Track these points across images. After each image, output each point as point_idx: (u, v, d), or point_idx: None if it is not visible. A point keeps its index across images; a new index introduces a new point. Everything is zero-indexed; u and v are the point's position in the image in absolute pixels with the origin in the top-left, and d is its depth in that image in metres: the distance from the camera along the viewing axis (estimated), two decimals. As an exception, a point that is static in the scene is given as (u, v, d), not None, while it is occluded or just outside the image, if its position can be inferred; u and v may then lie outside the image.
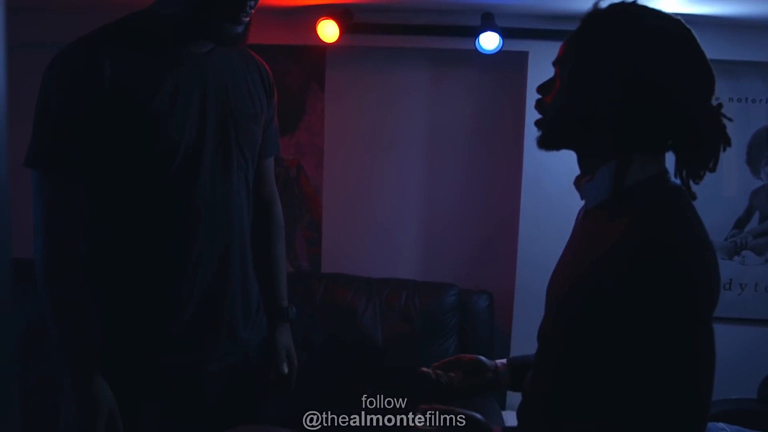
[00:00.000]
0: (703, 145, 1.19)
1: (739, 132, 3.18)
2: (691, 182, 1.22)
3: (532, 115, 3.26)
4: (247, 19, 1.53)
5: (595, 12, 1.24)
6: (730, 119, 1.20)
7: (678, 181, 1.22)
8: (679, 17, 1.21)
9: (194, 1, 1.48)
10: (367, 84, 3.42)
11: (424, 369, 1.52)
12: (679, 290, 1.07)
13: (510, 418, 2.93)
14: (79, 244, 1.51)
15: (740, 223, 3.26)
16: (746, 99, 3.15)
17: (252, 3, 1.51)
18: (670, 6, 2.69)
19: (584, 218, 1.33)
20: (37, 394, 2.33)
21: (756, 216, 3.26)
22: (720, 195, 3.18)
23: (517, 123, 3.18)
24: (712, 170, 1.20)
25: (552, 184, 3.08)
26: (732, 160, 3.17)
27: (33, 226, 1.51)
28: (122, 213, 1.56)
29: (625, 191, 1.21)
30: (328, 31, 3.01)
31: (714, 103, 1.19)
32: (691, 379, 1.09)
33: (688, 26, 1.20)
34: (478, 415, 1.30)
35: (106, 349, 1.55)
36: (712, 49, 1.21)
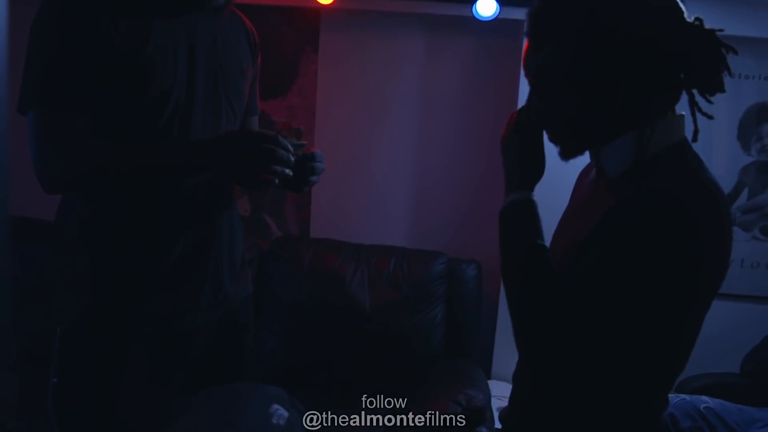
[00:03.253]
0: (697, 59, 1.17)
1: (730, 108, 3.18)
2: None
3: (525, 84, 3.26)
4: None
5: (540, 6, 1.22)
6: (721, 30, 1.17)
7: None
8: None
9: None
10: (361, 48, 3.39)
11: None
12: (681, 261, 1.08)
13: (496, 387, 2.97)
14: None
15: (729, 199, 3.26)
16: (738, 75, 3.15)
17: None
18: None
19: (598, 185, 1.32)
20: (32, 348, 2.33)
21: (745, 192, 3.27)
22: (710, 170, 3.18)
23: (511, 92, 3.16)
24: (720, 87, 1.18)
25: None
26: (723, 136, 3.18)
27: (36, 162, 1.47)
28: None
29: (649, 161, 1.19)
30: (324, -9, 2.99)
31: (691, 19, 1.18)
32: (676, 331, 1.12)
33: None
34: None
35: (91, 297, 1.57)
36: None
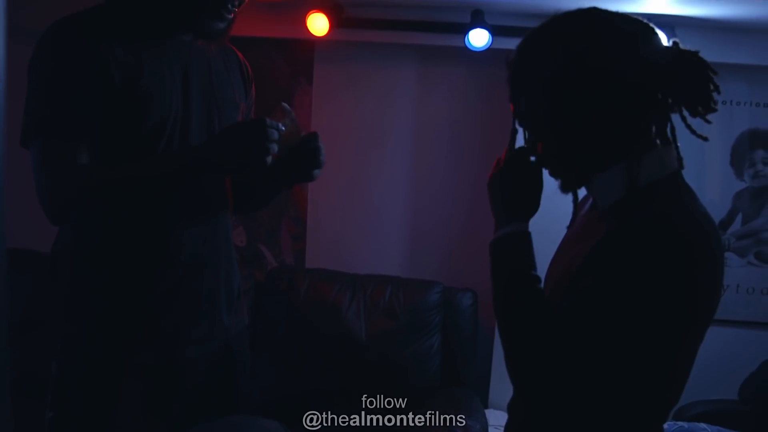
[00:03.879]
0: (682, 80, 1.17)
1: (723, 134, 3.20)
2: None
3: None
4: (231, 16, 1.56)
5: (518, 50, 1.30)
6: (696, 50, 1.18)
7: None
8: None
9: None
10: (355, 79, 3.41)
11: None
12: (675, 285, 1.07)
13: (493, 416, 2.95)
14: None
15: (723, 225, 3.28)
16: (730, 101, 3.18)
17: (235, 2, 1.54)
18: (657, 7, 2.72)
19: (592, 216, 1.32)
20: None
21: (739, 218, 3.29)
22: (703, 197, 3.14)
23: (505, 121, 3.16)
24: (713, 107, 1.18)
25: None
26: (715, 162, 3.20)
27: (41, 194, 1.48)
28: None
29: (640, 192, 1.19)
30: (318, 24, 3.01)
31: (670, 43, 1.19)
32: (670, 361, 1.12)
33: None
34: None
35: (86, 330, 1.57)
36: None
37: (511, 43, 3.13)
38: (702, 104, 1.17)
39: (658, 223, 1.09)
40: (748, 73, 3.15)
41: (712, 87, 1.17)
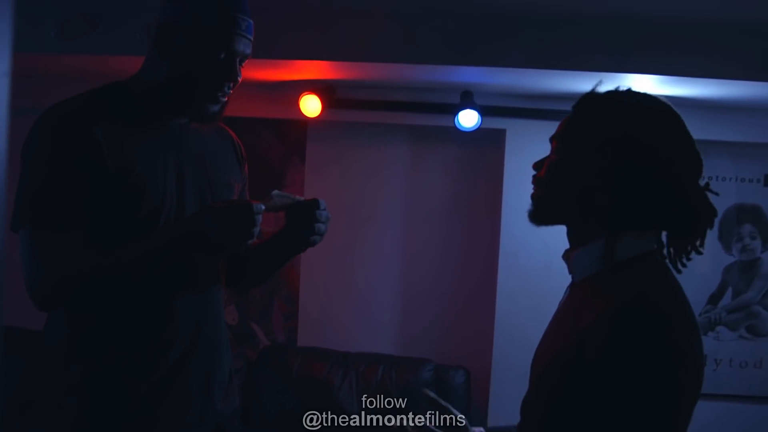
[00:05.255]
0: (692, 224, 1.22)
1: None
2: (678, 259, 1.24)
3: (509, 190, 3.31)
4: (225, 99, 1.58)
5: (593, 94, 1.29)
6: (716, 194, 1.24)
7: (667, 259, 1.25)
8: (669, 103, 1.26)
9: (175, 78, 1.53)
10: (347, 157, 3.47)
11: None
12: (662, 364, 1.09)
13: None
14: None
15: (714, 299, 3.30)
16: (716, 177, 3.24)
17: (230, 84, 1.56)
18: (644, 88, 2.79)
19: (570, 291, 1.34)
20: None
21: (729, 291, 3.30)
22: (693, 271, 3.22)
23: (495, 198, 3.22)
24: (699, 250, 1.23)
25: (529, 259, 3.11)
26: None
27: (27, 280, 1.46)
28: None
29: (614, 267, 1.22)
30: (311, 105, 3.07)
31: (702, 183, 1.23)
32: None
33: (676, 111, 1.25)
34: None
35: (76, 415, 1.54)
36: (684, 129, 1.26)
37: (501, 123, 3.19)
38: (694, 250, 1.24)
39: (637, 315, 1.11)
40: (732, 150, 3.23)
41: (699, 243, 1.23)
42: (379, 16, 2.55)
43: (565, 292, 1.43)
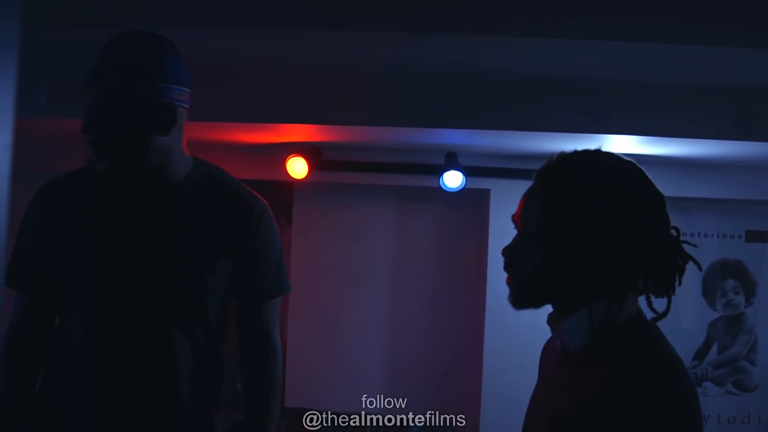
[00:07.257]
0: (669, 274, 1.21)
1: (694, 265, 3.27)
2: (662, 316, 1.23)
3: (494, 249, 3.32)
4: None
5: (551, 163, 1.26)
6: (694, 245, 1.23)
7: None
8: (630, 158, 1.27)
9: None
10: (334, 218, 3.50)
11: None
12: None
13: None
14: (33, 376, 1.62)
15: (700, 355, 3.30)
16: (699, 234, 3.28)
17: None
18: (626, 147, 2.84)
19: (564, 359, 1.30)
20: None
21: (715, 347, 3.32)
22: (679, 326, 3.24)
23: (480, 257, 3.24)
24: (671, 294, 1.21)
25: (515, 317, 3.04)
26: (689, 293, 3.25)
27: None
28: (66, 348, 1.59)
29: (606, 333, 1.20)
30: (298, 167, 3.10)
31: (673, 233, 1.23)
32: None
33: (639, 165, 1.25)
34: None
35: None
36: (666, 187, 1.26)
37: (485, 183, 3.22)
38: (667, 294, 1.22)
39: (641, 389, 1.09)
40: (715, 206, 3.28)
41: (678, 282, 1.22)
42: (364, 80, 2.60)
43: (542, 352, 1.40)
